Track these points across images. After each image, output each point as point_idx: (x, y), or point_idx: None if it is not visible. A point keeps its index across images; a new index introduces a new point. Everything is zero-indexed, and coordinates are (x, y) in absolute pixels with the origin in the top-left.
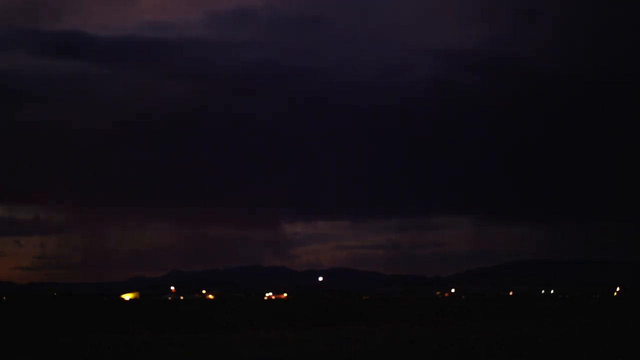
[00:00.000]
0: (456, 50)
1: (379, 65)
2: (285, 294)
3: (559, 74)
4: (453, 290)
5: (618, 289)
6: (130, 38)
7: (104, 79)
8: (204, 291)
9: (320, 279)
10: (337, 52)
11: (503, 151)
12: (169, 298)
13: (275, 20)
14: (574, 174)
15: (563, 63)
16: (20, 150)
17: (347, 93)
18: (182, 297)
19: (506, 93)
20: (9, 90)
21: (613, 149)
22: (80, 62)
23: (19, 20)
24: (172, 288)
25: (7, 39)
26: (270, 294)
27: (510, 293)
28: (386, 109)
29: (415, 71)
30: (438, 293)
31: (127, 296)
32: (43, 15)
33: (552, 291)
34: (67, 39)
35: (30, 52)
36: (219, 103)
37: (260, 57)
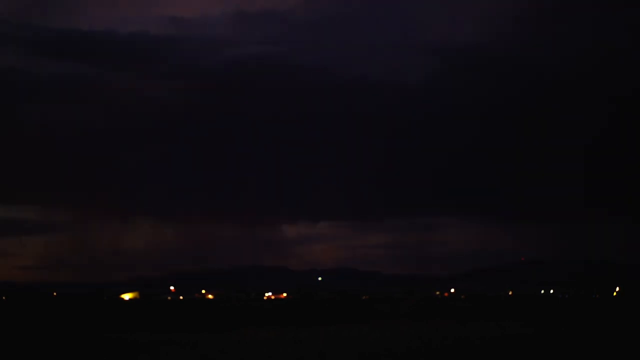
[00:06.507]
0: (458, 48)
1: (381, 64)
2: (285, 294)
3: (561, 74)
4: (453, 290)
5: (618, 289)
6: (142, 35)
7: (104, 77)
8: (203, 291)
9: (320, 279)
10: (340, 50)
11: (503, 151)
12: (169, 298)
13: (288, 20)
14: (573, 174)
15: (565, 62)
16: (21, 150)
17: (348, 91)
18: (181, 297)
19: (507, 92)
20: (9, 89)
21: (612, 149)
22: (82, 62)
23: (22, 15)
24: (172, 288)
25: (8, 35)
26: (270, 293)
27: (510, 293)
28: (387, 108)
29: (417, 70)
30: (438, 293)
31: (127, 296)
32: (52, 10)
33: (551, 291)
34: (76, 36)
35: (32, 49)
36: (215, 101)
37: (262, 55)
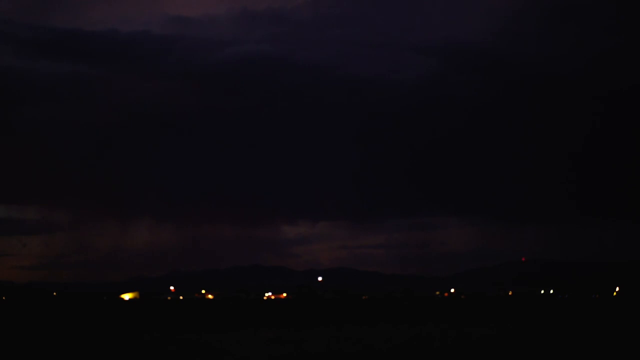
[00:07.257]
0: (458, 48)
1: (381, 63)
2: (285, 294)
3: (561, 74)
4: (453, 290)
5: (618, 289)
6: (143, 35)
7: (104, 78)
8: (203, 291)
9: (320, 279)
10: (341, 49)
11: (504, 151)
12: (169, 298)
13: (287, 19)
14: (573, 175)
15: (564, 63)
16: (20, 150)
17: (348, 92)
18: (181, 297)
19: (506, 93)
20: (9, 89)
21: (610, 150)
22: (82, 62)
23: (22, 15)
24: (172, 288)
25: (8, 35)
26: (270, 293)
27: (510, 293)
28: (388, 107)
29: (417, 69)
30: (438, 293)
31: (126, 296)
32: (52, 10)
33: (551, 291)
34: (78, 36)
35: (32, 49)
36: (215, 101)
37: (263, 54)
